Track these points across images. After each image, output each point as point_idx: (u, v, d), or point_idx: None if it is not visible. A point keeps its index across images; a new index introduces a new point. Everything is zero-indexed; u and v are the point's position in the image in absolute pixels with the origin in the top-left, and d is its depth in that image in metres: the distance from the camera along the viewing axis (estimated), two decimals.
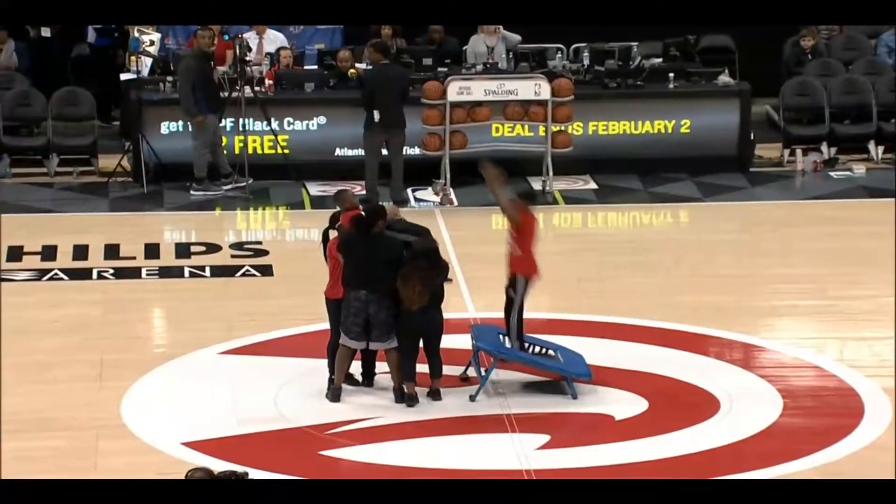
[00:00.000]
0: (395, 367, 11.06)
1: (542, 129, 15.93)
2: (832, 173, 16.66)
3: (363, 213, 11.11)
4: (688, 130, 16.54)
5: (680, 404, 11.23)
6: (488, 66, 16.40)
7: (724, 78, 16.74)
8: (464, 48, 17.00)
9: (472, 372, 11.49)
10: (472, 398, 11.26)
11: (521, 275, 11.24)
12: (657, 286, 13.50)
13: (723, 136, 16.55)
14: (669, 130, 16.53)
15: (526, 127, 16.15)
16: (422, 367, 11.20)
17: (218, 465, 8.93)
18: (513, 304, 11.27)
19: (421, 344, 11.12)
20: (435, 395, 11.20)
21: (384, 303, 10.87)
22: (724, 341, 12.39)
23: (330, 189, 15.92)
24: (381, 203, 11.62)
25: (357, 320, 10.90)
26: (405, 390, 11.09)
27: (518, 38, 16.63)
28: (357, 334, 10.95)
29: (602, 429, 10.92)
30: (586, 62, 16.64)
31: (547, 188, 15.92)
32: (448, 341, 11.93)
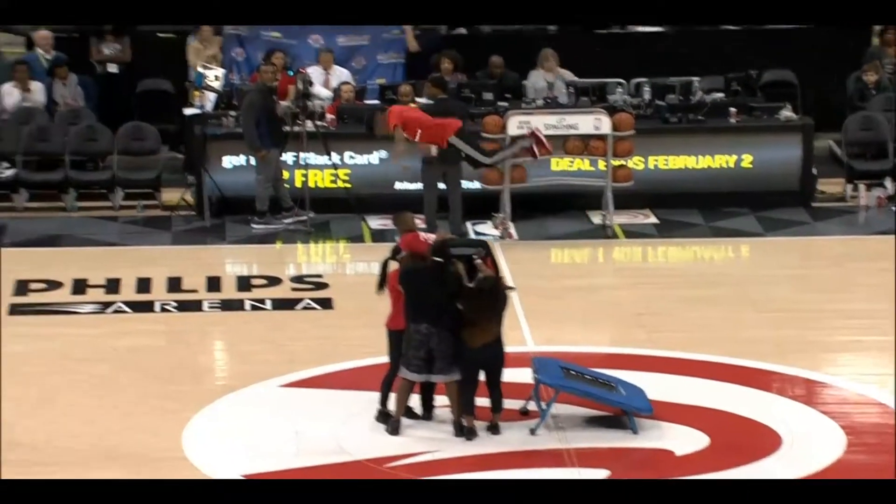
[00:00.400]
0: (456, 399, 10.93)
1: (602, 163, 15.79)
2: None
3: (432, 247, 10.95)
4: (750, 165, 16.35)
5: (741, 440, 11.02)
6: (548, 100, 16.31)
7: (787, 112, 16.54)
8: (524, 82, 16.92)
9: (532, 406, 11.34)
10: (533, 432, 11.11)
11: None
12: (718, 321, 13.30)
13: (785, 171, 16.34)
14: (731, 165, 16.34)
15: (586, 161, 16.02)
16: (482, 401, 11.05)
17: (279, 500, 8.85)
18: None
19: (482, 377, 10.98)
20: (494, 429, 11.05)
21: (445, 335, 10.76)
22: (785, 377, 12.16)
23: (390, 223, 15.86)
24: (442, 236, 11.50)
25: (419, 353, 10.80)
26: (464, 423, 10.95)
27: (572, 76, 16.59)
28: (418, 367, 10.85)
29: (662, 464, 10.73)
30: (647, 97, 16.50)
31: (607, 222, 15.76)
32: (508, 375, 11.78)
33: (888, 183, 16.63)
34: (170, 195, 16.34)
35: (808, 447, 10.89)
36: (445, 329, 10.75)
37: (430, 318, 10.74)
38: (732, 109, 16.36)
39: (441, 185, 15.47)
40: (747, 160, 16.33)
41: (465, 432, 10.95)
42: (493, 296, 10.87)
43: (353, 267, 15.37)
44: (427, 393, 11.20)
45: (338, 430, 11.08)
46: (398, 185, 16.17)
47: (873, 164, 16.79)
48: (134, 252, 15.17)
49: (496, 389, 11.00)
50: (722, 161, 16.32)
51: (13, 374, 11.95)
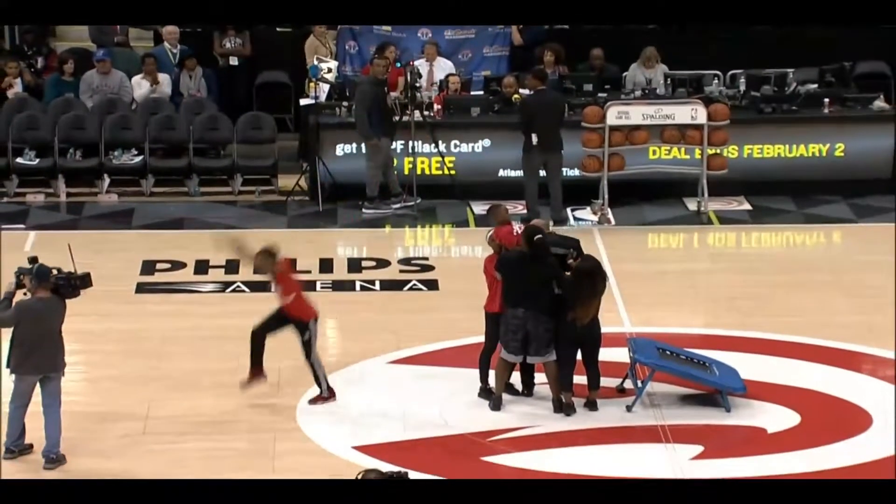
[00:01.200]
0: (554, 378, 11.02)
1: (698, 151, 15.73)
2: None
3: (524, 233, 11.07)
4: (842, 154, 16.18)
5: (832, 419, 10.97)
6: (646, 91, 16.28)
7: (880, 103, 16.34)
8: (624, 74, 16.90)
9: (628, 384, 11.39)
10: (629, 409, 11.15)
11: (303, 318, 11.10)
12: (810, 304, 13.21)
13: (877, 160, 16.16)
14: (824, 154, 16.19)
15: (682, 150, 15.97)
16: (580, 379, 11.12)
17: (385, 468, 9.00)
18: (310, 347, 11.17)
19: (579, 355, 11.06)
20: (592, 405, 11.12)
21: (541, 319, 10.88)
22: (875, 358, 12.07)
23: None
24: (536, 223, 11.58)
25: (516, 336, 10.93)
26: (563, 400, 11.04)
27: (667, 70, 16.52)
28: (515, 349, 10.98)
29: (755, 441, 10.73)
30: (742, 88, 16.40)
31: (702, 209, 15.71)
32: (605, 354, 11.83)
33: None
34: (286, 181, 16.56)
35: None
36: (541, 313, 10.86)
37: (526, 302, 10.85)
38: (826, 100, 16.20)
39: (542, 173, 15.52)
40: (840, 149, 16.17)
41: (563, 408, 11.04)
42: (593, 277, 10.93)
43: (458, 250, 15.48)
44: (527, 372, 11.30)
45: (442, 405, 11.21)
46: (502, 173, 16.24)
47: None
48: (252, 235, 15.40)
49: (594, 367, 11.08)
50: (815, 150, 16.18)
51: (141, 349, 12.24)
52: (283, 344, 11.73)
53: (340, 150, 16.26)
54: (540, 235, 11.05)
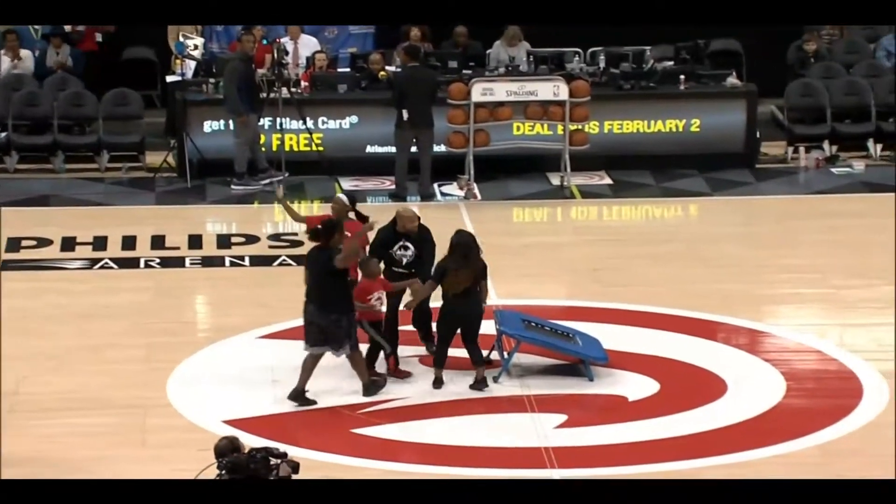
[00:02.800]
0: (361, 366, 10.78)
1: (560, 127, 15.87)
2: (833, 169, 16.55)
3: (321, 227, 10.64)
4: (698, 129, 16.46)
5: (689, 386, 11.19)
6: (510, 68, 16.35)
7: (732, 80, 16.64)
8: (487, 52, 16.95)
9: (495, 355, 11.46)
10: (496, 380, 11.23)
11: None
12: (668, 275, 13.44)
13: (730, 135, 16.47)
14: (680, 129, 16.45)
15: (545, 126, 16.09)
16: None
17: (256, 442, 8.95)
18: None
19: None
20: (480, 384, 10.92)
21: (325, 313, 10.53)
22: (730, 327, 12.33)
23: (361, 183, 15.95)
24: (337, 202, 11.38)
25: (311, 329, 10.62)
26: (435, 375, 10.99)
27: (529, 47, 16.61)
28: (315, 342, 10.65)
29: (616, 409, 10.89)
30: (602, 65, 16.56)
31: (565, 183, 15.87)
32: None
33: (826, 145, 16.79)
34: (153, 158, 16.31)
35: (750, 392, 11.07)
36: (323, 307, 10.50)
37: (311, 296, 10.59)
38: (682, 77, 16.46)
39: (413, 149, 15.51)
40: (695, 124, 16.45)
41: (434, 383, 10.95)
42: (466, 249, 10.87)
43: None
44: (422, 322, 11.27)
45: (313, 379, 11.16)
46: (369, 149, 16.20)
47: (812, 129, 16.92)
48: (119, 211, 15.17)
49: (472, 344, 10.92)
50: (672, 125, 16.43)
51: (7, 327, 11.98)
52: (155, 318, 11.60)
53: (208, 126, 16.06)
54: (327, 224, 10.63)
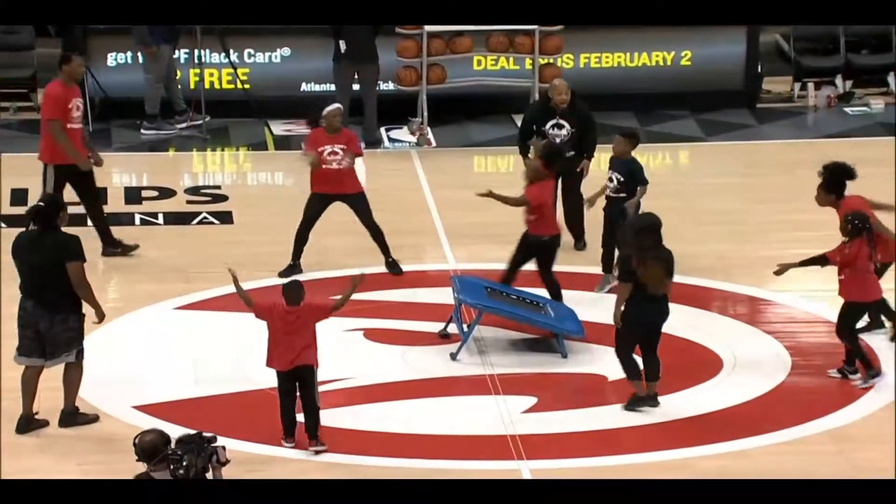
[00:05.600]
0: (74, 386, 10.41)
1: (528, 61, 15.95)
2: (847, 109, 16.74)
3: (41, 205, 10.31)
4: (689, 63, 16.59)
5: (679, 364, 11.31)
6: None
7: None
8: None
9: (452, 328, 11.57)
10: (454, 357, 11.35)
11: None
12: None
13: (727, 69, 16.61)
14: (668, 63, 16.57)
15: (511, 59, 16.17)
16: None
17: (175, 430, 9.00)
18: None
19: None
20: (652, 400, 10.58)
21: (56, 316, 10.21)
22: (727, 294, 12.49)
23: (295, 128, 15.97)
24: (56, 195, 11.25)
25: (27, 332, 10.28)
26: (644, 392, 10.50)
27: None
28: (29, 349, 10.30)
29: (594, 390, 11.02)
30: None
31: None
32: (426, 295, 12.03)
33: (839, 81, 16.94)
34: None
35: (749, 370, 11.22)
36: (51, 307, 10.17)
37: (35, 294, 10.23)
38: None
39: (355, 87, 15.55)
40: (686, 57, 16.57)
41: (646, 401, 10.55)
42: (656, 233, 10.46)
43: (255, 177, 15.47)
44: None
45: (240, 357, 11.24)
46: (304, 87, 16.23)
47: (823, 61, 17.09)
48: (7, 160, 15.14)
49: (654, 353, 10.56)
50: (659, 58, 16.55)
51: None
52: None
53: (112, 59, 16.06)
54: (45, 203, 10.30)
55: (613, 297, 10.63)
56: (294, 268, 12.40)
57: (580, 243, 12.89)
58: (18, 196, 14.20)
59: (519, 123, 16.05)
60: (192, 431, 8.23)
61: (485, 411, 10.69)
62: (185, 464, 7.85)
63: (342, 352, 11.34)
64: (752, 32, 16.62)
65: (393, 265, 12.51)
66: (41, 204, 10.38)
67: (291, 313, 9.98)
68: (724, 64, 16.64)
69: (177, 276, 12.58)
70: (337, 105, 12.40)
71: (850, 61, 17.00)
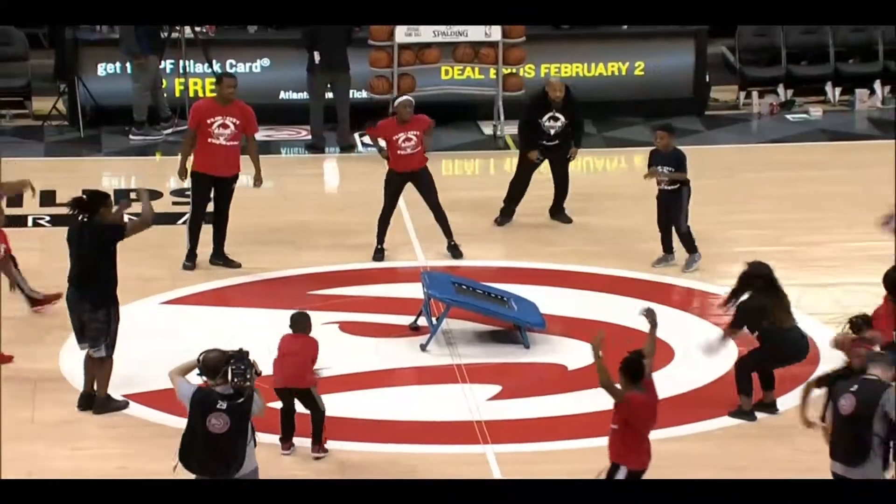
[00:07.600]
0: (105, 377, 10.36)
1: (492, 71, 15.94)
2: (789, 116, 16.79)
3: (84, 197, 10.28)
4: (642, 73, 16.61)
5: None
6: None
7: None
8: None
9: (422, 321, 11.56)
10: (423, 348, 11.33)
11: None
12: (612, 234, 13.58)
13: (678, 79, 16.64)
14: (623, 73, 16.59)
15: (476, 69, 16.16)
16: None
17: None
18: None
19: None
20: (771, 407, 10.58)
21: (87, 306, 10.13)
22: (679, 289, 12.51)
23: (274, 133, 15.93)
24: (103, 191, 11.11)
25: (73, 319, 10.24)
26: (749, 406, 10.49)
27: None
28: (78, 335, 10.27)
29: (555, 379, 11.02)
30: None
31: (498, 132, 15.96)
32: (397, 290, 12.01)
33: (781, 90, 17.01)
34: (41, 104, 16.18)
35: (699, 359, 11.23)
36: (93, 295, 10.14)
37: (77, 281, 10.21)
38: None
39: (329, 95, 15.52)
40: (640, 67, 16.59)
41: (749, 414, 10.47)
42: (769, 279, 10.60)
43: (238, 180, 15.36)
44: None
45: (227, 349, 11.15)
46: (283, 95, 16.18)
47: (766, 71, 17.15)
48: (3, 164, 15.03)
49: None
50: (614, 68, 16.57)
51: None
52: (46, 282, 11.57)
53: (102, 69, 15.97)
54: (88, 194, 10.28)
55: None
56: (380, 252, 12.57)
57: (562, 214, 13.55)
58: (13, 198, 14.08)
59: (483, 129, 16.09)
60: (235, 348, 8.52)
61: (452, 399, 10.69)
62: (248, 375, 8.35)
63: (320, 343, 11.28)
64: (701, 45, 16.66)
65: (454, 248, 12.67)
66: (83, 195, 10.39)
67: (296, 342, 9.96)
68: (674, 74, 16.67)
69: (163, 273, 12.51)
70: (407, 97, 12.87)
71: (790, 72, 17.08)
